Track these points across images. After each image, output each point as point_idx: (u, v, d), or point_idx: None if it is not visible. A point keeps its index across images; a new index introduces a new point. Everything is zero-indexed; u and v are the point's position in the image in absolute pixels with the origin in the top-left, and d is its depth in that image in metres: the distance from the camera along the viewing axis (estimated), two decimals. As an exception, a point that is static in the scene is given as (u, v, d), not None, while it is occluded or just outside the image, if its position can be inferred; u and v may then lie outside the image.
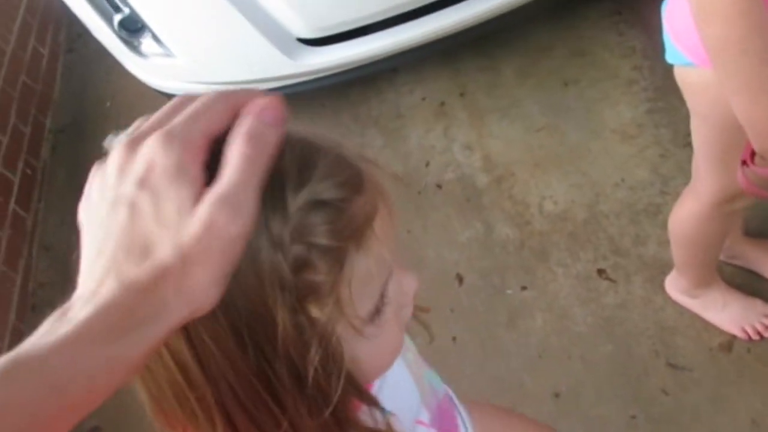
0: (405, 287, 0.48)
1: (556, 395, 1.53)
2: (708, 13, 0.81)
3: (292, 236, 0.38)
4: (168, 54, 1.93)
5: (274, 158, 0.38)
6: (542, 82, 2.11)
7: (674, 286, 1.56)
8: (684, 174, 1.56)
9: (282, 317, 0.39)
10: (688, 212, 1.31)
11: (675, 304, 1.56)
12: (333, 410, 0.43)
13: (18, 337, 2.07)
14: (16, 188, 2.34)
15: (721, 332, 1.51)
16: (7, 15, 2.71)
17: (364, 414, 0.49)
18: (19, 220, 2.31)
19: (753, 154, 0.94)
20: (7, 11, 2.72)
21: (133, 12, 1.84)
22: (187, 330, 0.39)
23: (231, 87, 2.00)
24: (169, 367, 0.41)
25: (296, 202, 0.39)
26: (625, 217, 1.74)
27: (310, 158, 0.41)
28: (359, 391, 0.46)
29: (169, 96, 2.21)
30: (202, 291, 0.36)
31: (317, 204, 0.39)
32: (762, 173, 0.94)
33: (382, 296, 0.45)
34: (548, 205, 1.83)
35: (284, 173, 0.39)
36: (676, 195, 1.71)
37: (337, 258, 0.40)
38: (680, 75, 1.10)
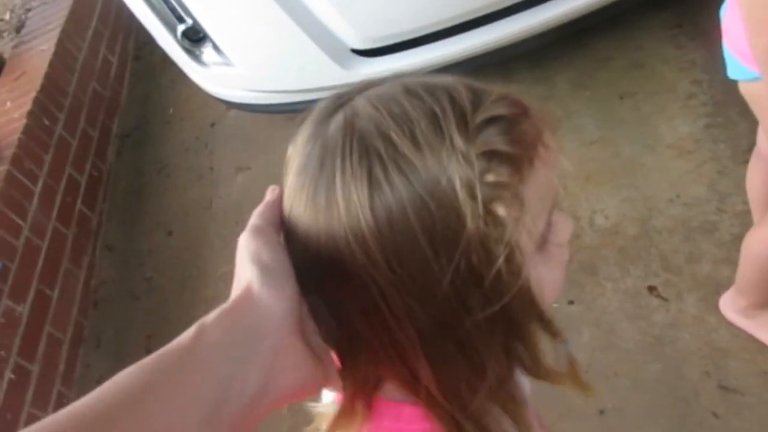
0: (565, 226, 0.52)
1: (602, 412, 1.51)
2: (759, 23, 0.80)
3: (476, 148, 0.44)
4: (228, 63, 2.00)
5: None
6: (597, 94, 2.09)
7: (730, 306, 1.51)
8: (742, 191, 1.51)
9: (472, 220, 0.44)
10: None
11: (729, 325, 1.52)
12: (513, 333, 0.48)
13: (79, 331, 2.17)
14: (82, 189, 2.46)
15: (777, 356, 1.46)
16: (80, 24, 2.86)
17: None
18: (85, 220, 2.42)
19: None
20: (80, 20, 2.87)
21: (195, 23, 1.92)
22: (385, 254, 0.44)
23: (284, 95, 2.05)
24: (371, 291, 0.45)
25: (475, 121, 0.45)
26: (679, 234, 1.70)
27: (480, 91, 0.47)
28: (536, 309, 0.49)
29: (228, 103, 2.28)
30: None
31: (493, 119, 0.45)
32: None
33: (549, 223, 0.49)
34: (599, 219, 1.80)
35: (461, 104, 0.45)
36: (734, 213, 1.68)
37: (516, 165, 0.45)
38: (747, 90, 1.08)
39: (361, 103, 0.47)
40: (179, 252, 2.26)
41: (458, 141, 0.44)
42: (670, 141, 1.89)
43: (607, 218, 1.80)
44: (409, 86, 0.47)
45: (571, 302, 1.69)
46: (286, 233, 0.48)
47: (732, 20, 1.04)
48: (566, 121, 2.07)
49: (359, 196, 0.44)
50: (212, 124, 2.67)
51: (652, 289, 1.64)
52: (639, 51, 2.15)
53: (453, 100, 0.45)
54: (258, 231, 0.46)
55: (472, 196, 0.43)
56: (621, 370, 1.55)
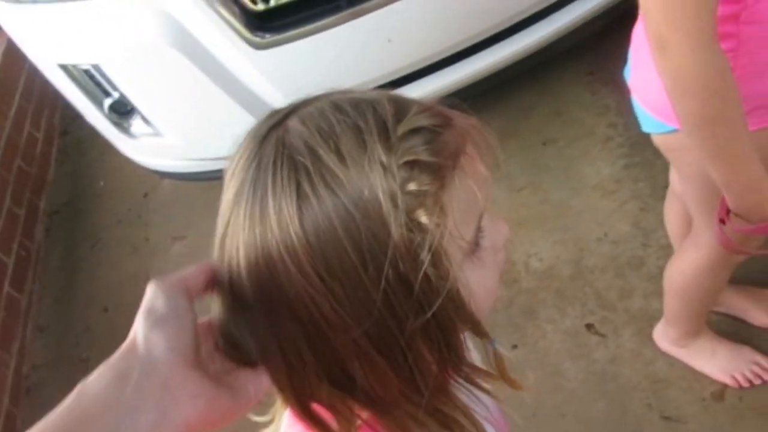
0: (498, 231, 0.54)
1: (553, 455, 1.52)
2: (683, 92, 0.85)
3: (398, 159, 0.47)
4: (157, 134, 1.99)
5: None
6: (523, 142, 2.17)
7: (663, 337, 1.57)
8: (664, 226, 1.59)
9: (396, 229, 0.46)
10: (689, 264, 1.33)
11: (664, 355, 1.57)
12: (445, 338, 0.50)
13: (12, 422, 2.05)
14: (10, 270, 2.37)
15: (713, 381, 1.51)
16: (2, 101, 2.80)
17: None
18: (14, 302, 2.32)
19: (728, 211, 0.97)
20: (3, 97, 2.81)
21: (122, 96, 1.91)
22: (315, 265, 0.46)
23: (218, 162, 2.03)
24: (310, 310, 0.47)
25: (397, 132, 0.47)
26: (610, 271, 1.77)
27: (404, 103, 0.50)
28: (467, 313, 0.51)
29: (161, 173, 2.26)
30: None
31: (415, 130, 0.48)
32: (739, 230, 0.98)
33: (479, 229, 0.52)
34: (534, 262, 1.85)
35: (384, 117, 0.48)
36: (658, 246, 1.76)
37: (438, 173, 0.48)
38: (661, 142, 1.14)
39: (292, 121, 0.50)
40: (116, 328, 2.19)
41: (380, 153, 0.46)
42: (593, 183, 1.97)
43: (541, 261, 1.85)
44: (337, 102, 0.50)
45: (515, 346, 1.71)
46: (221, 253, 0.50)
47: (640, 79, 1.11)
48: (496, 168, 2.13)
49: (289, 209, 0.46)
50: (145, 195, 2.63)
51: (590, 326, 1.69)
52: (558, 99, 2.26)
53: (377, 113, 0.48)
54: (160, 281, 0.48)
55: (395, 205, 0.46)
56: (568, 411, 1.57)
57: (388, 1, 1.73)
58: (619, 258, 1.78)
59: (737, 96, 0.85)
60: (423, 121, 0.49)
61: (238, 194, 0.49)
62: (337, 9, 1.74)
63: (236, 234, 0.49)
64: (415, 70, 1.90)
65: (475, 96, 2.15)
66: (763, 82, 0.97)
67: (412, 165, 0.47)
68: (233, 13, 1.73)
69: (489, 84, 2.04)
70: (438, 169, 0.48)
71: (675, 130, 1.05)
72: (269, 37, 1.80)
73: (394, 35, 1.80)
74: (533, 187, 2.05)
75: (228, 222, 0.49)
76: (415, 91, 1.93)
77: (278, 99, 1.88)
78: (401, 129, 0.48)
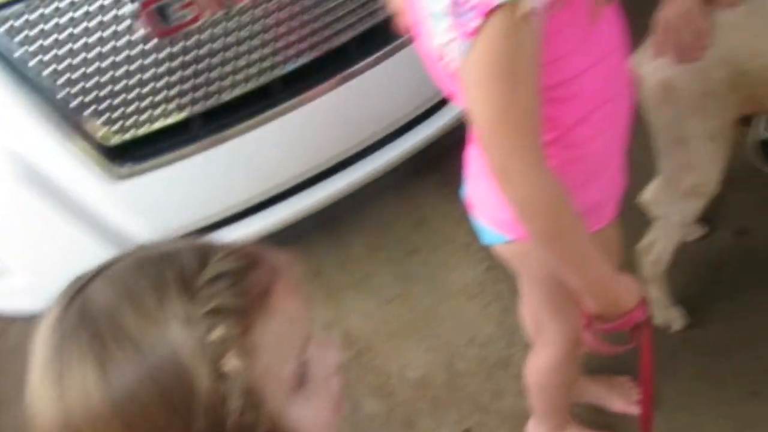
0: (327, 358, 0.55)
1: None
2: (533, 214, 0.93)
3: (200, 309, 0.47)
4: (6, 272, 1.88)
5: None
6: (389, 254, 2.24)
7: (535, 433, 1.61)
8: (525, 325, 1.67)
9: (202, 381, 0.46)
10: (542, 361, 1.39)
11: (540, 452, 1.61)
12: None
13: None
14: None
15: (586, 473, 1.55)
16: None
17: None
18: None
19: (591, 315, 1.04)
20: None
21: (-35, 237, 1.80)
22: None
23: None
24: None
25: (198, 282, 0.48)
26: (481, 374, 1.81)
27: (208, 251, 0.51)
28: None
29: (10, 317, 2.11)
30: None
31: (218, 276, 0.48)
32: (607, 330, 1.04)
33: (303, 362, 0.52)
34: (408, 372, 1.87)
35: (185, 270, 0.48)
36: (522, 346, 1.83)
37: (243, 316, 0.48)
38: (504, 251, 1.21)
39: (96, 283, 0.49)
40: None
41: (181, 307, 0.47)
42: (458, 288, 2.06)
43: (415, 370, 1.87)
44: (141, 259, 0.50)
45: (396, 462, 1.69)
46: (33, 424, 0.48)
47: (476, 196, 1.19)
48: (367, 281, 2.18)
49: (90, 379, 0.46)
50: (-6, 340, 2.43)
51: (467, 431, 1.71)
52: (419, 209, 2.37)
53: (179, 266, 0.49)
54: None
55: (199, 356, 0.46)
56: None
57: (246, 129, 1.79)
58: (488, 360, 1.84)
59: (574, 207, 0.94)
60: (226, 265, 0.50)
61: (42, 365, 0.48)
62: (193, 139, 1.77)
63: (42, 406, 0.47)
64: (277, 194, 1.94)
65: (337, 214, 2.23)
66: (586, 191, 1.08)
67: (215, 312, 0.47)
68: (87, 147, 1.71)
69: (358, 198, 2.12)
70: (243, 311, 0.48)
71: (513, 241, 1.13)
72: (127, 168, 1.79)
73: (253, 161, 1.84)
74: (402, 298, 2.10)
75: (34, 394, 0.48)
76: (278, 214, 1.96)
77: (140, 229, 1.85)
78: (204, 277, 0.49)
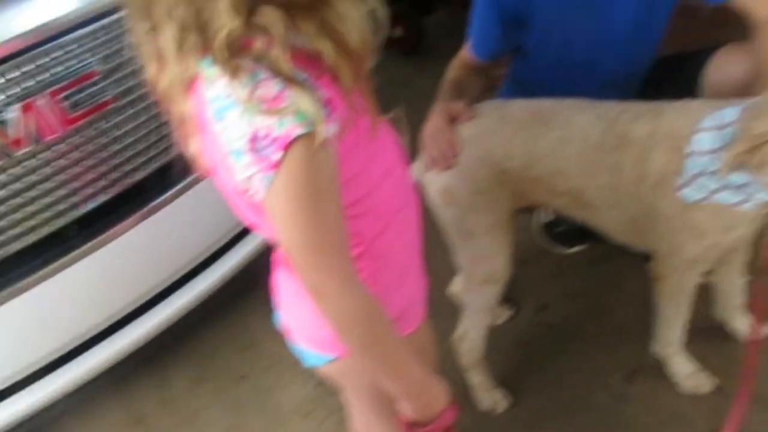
0: None
1: None
2: (350, 327, 0.96)
3: None
4: None
5: None
6: (217, 384, 2.15)
7: None
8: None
9: None
10: None
11: None
12: None
13: None
14: None
15: None
16: None
17: None
18: None
19: (411, 421, 1.07)
20: None
21: None
22: None
23: None
24: None
25: None
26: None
27: None
28: None
29: None
30: None
31: None
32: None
33: None
34: None
35: None
36: (361, 456, 1.81)
37: None
38: (328, 370, 1.22)
39: None
40: None
41: None
42: (291, 408, 2.01)
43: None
44: None
45: None
46: None
47: (291, 321, 1.20)
48: (195, 418, 2.06)
49: None
50: None
51: None
52: (245, 332, 2.31)
53: None
54: None
55: None
56: None
57: (39, 279, 1.67)
58: (328, 478, 1.79)
59: (386, 315, 0.98)
60: None
61: None
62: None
63: None
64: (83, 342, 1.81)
65: (155, 352, 2.11)
66: (395, 298, 1.14)
67: None
68: None
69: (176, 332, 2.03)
70: None
71: (335, 359, 1.15)
72: None
73: (51, 313, 1.72)
74: (237, 427, 2.01)
75: None
76: (87, 362, 1.82)
77: None
78: None
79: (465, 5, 1.80)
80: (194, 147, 1.02)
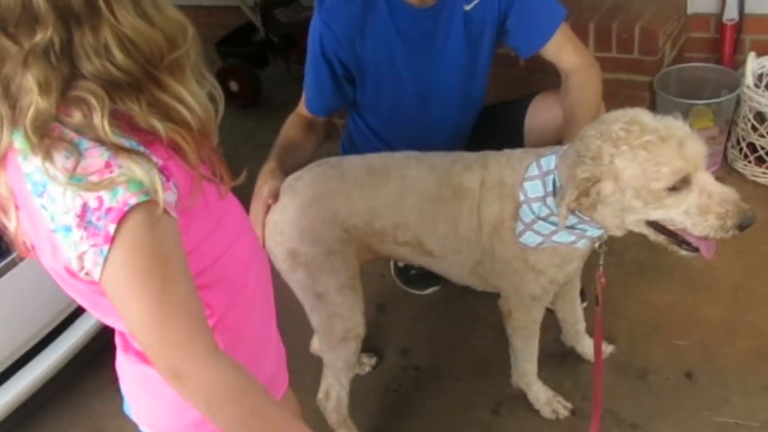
0: None
1: None
2: (220, 405, 0.88)
3: None
4: None
5: None
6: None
7: None
8: None
9: None
10: None
11: None
12: None
13: None
14: None
15: None
16: None
17: None
18: None
19: None
20: None
21: None
22: None
23: None
24: None
25: None
26: None
27: None
28: None
29: None
30: None
31: None
32: None
33: None
34: None
35: None
36: None
37: None
38: None
39: None
40: None
41: None
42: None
43: None
44: None
45: None
46: None
47: (142, 411, 1.10)
48: None
49: None
50: None
51: None
52: (91, 414, 2.10)
53: None
54: None
55: None
56: None
57: None
58: None
59: (258, 381, 0.92)
60: None
61: None
62: None
63: None
64: None
65: None
66: (257, 369, 1.07)
67: None
68: None
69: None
70: None
71: None
72: None
73: None
74: None
75: None
76: None
77: None
78: None
79: (300, 57, 1.80)
80: (12, 224, 0.90)
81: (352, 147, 2.04)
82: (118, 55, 0.82)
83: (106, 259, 0.81)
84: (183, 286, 0.87)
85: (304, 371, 1.98)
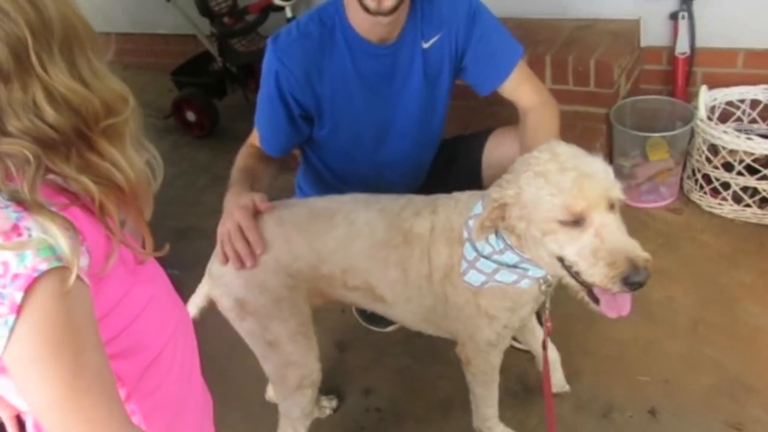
0: None
1: None
2: None
3: None
4: None
5: None
6: None
7: None
8: None
9: None
10: None
11: None
12: None
13: None
14: None
15: None
16: None
17: None
18: None
19: None
20: None
21: None
22: None
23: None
24: None
25: None
26: None
27: None
28: None
29: None
30: None
31: None
32: None
33: None
34: None
35: None
36: None
37: None
38: None
39: None
40: None
41: None
42: None
43: None
44: None
45: None
46: None
47: None
48: None
49: None
50: None
51: None
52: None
53: None
54: None
55: None
56: None
57: None
58: None
59: None
60: None
61: None
62: None
63: None
64: None
65: None
66: (179, 428, 1.04)
67: None
68: None
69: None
70: None
71: None
72: None
73: None
74: None
75: None
76: None
77: None
78: None
79: (258, 87, 1.75)
80: None
81: (306, 182, 1.99)
82: (49, 112, 0.78)
83: (11, 330, 0.75)
84: (96, 357, 0.81)
85: (260, 420, 1.92)
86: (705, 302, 2.20)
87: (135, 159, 0.87)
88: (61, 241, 0.77)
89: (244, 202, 1.51)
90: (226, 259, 1.48)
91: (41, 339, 0.76)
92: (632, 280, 1.19)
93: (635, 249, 1.21)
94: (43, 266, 0.75)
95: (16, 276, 0.74)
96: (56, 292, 0.76)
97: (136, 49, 4.47)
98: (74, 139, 0.80)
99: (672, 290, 2.25)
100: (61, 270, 0.76)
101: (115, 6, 4.29)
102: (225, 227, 1.49)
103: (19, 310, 0.74)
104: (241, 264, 1.46)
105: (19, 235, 0.76)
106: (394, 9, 1.55)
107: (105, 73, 0.85)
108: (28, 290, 0.75)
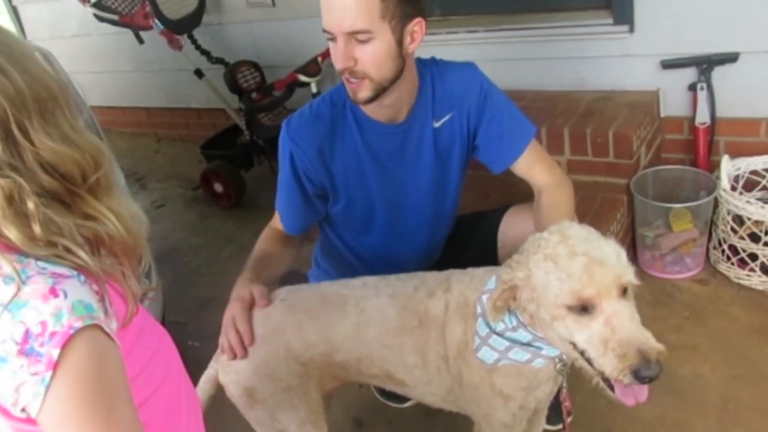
0: None
1: None
2: None
3: None
4: None
5: None
6: None
7: None
8: None
9: None
10: None
11: None
12: None
13: None
14: None
15: None
16: None
17: None
18: None
19: None
20: None
21: None
22: None
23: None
24: None
25: None
26: None
27: None
28: None
29: None
30: None
31: None
32: None
33: None
34: None
35: None
36: None
37: None
38: None
39: None
40: None
41: None
42: None
43: None
44: None
45: None
46: None
47: None
48: None
49: None
50: None
51: None
52: None
53: None
54: None
55: None
56: None
57: None
58: None
59: None
60: None
61: None
62: None
63: None
64: None
65: None
66: None
67: None
68: None
69: None
70: None
71: None
72: None
73: None
74: None
75: None
76: None
77: None
78: None
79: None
80: None
81: (323, 257, 2.01)
82: (43, 177, 0.83)
83: (48, 387, 0.77)
84: (128, 415, 0.84)
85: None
86: (735, 379, 2.12)
87: (132, 206, 0.93)
88: (93, 302, 0.81)
89: (243, 294, 1.54)
90: (222, 350, 1.50)
91: (77, 395, 0.79)
92: (643, 374, 1.14)
93: (648, 340, 1.16)
94: (78, 323, 0.79)
95: (53, 334, 0.78)
96: (91, 348, 0.80)
97: (170, 122, 4.65)
98: (67, 197, 0.85)
99: (700, 366, 2.18)
100: (93, 328, 0.80)
101: (151, 82, 4.49)
102: (225, 315, 1.53)
103: (55, 366, 0.77)
104: (233, 354, 1.47)
105: (56, 296, 0.79)
106: (370, 101, 1.58)
107: (82, 128, 0.89)
108: (65, 346, 0.78)
